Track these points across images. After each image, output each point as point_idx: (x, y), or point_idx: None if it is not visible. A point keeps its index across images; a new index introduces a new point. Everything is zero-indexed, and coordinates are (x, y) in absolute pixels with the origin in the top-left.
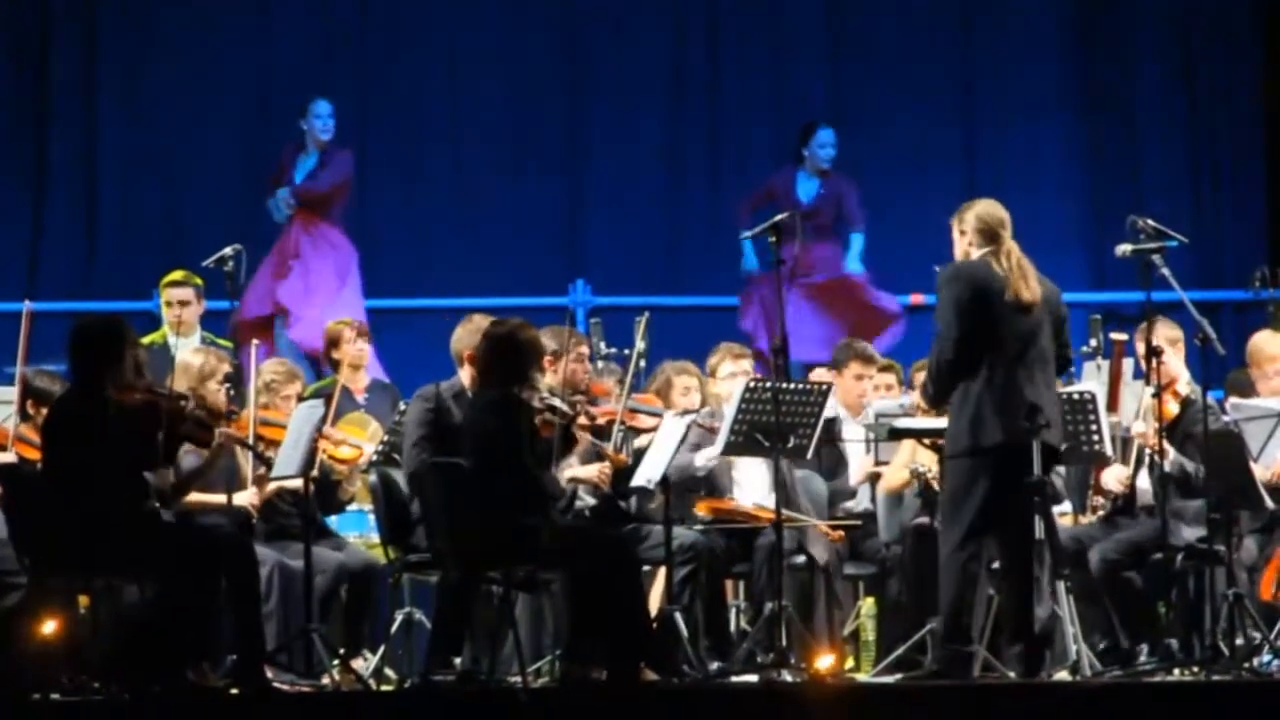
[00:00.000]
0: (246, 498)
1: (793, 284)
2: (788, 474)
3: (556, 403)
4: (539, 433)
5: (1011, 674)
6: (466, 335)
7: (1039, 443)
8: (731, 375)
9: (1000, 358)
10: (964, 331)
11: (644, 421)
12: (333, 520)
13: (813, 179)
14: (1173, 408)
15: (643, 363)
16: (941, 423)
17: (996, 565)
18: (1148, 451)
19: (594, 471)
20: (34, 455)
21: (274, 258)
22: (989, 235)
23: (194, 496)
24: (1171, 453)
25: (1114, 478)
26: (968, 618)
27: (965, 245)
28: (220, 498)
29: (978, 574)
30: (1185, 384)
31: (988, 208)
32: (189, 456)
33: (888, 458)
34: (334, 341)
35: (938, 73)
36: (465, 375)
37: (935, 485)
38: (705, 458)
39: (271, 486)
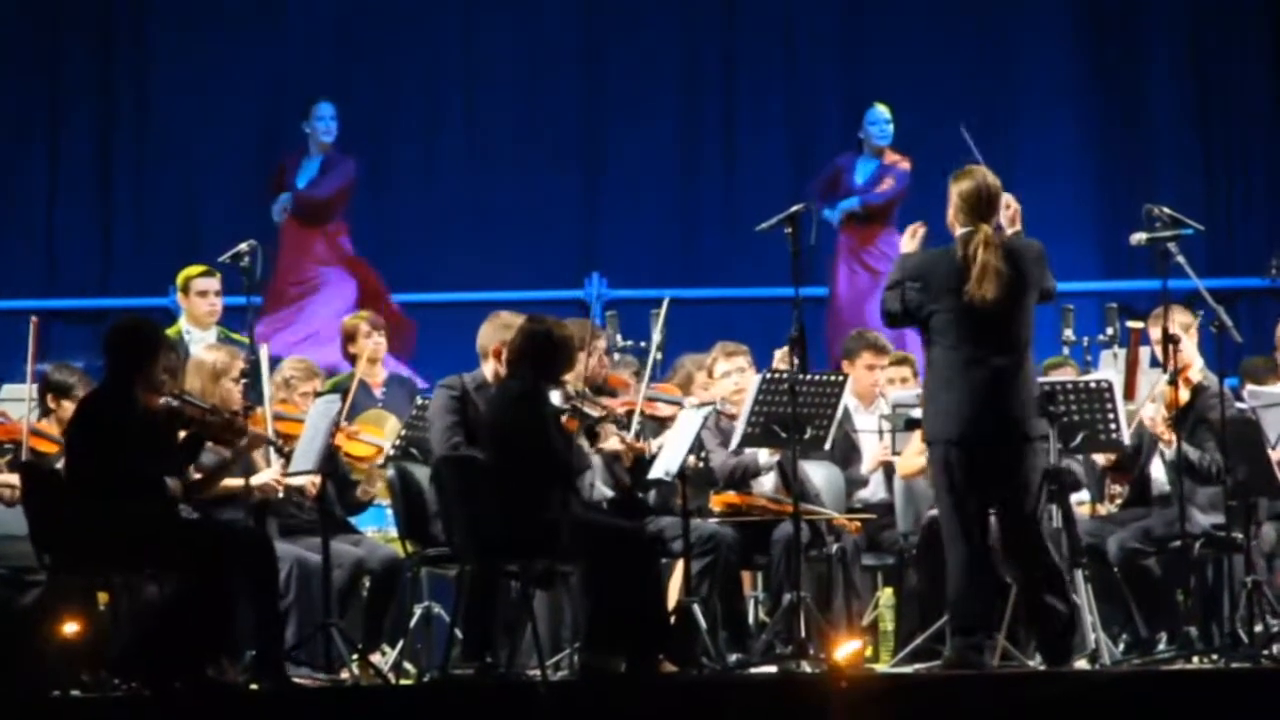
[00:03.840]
0: (270, 475)
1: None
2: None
3: (586, 409)
4: (564, 426)
5: (1031, 663)
6: (493, 330)
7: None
8: (726, 374)
9: (953, 347)
10: (897, 309)
11: (663, 410)
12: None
13: (871, 160)
14: (1184, 394)
15: (659, 354)
16: None
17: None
18: (1154, 437)
19: (616, 442)
20: (50, 449)
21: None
22: (971, 214)
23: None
24: (1174, 438)
25: (1146, 414)
26: (972, 607)
27: (952, 215)
28: (239, 481)
29: (978, 562)
30: (1198, 370)
31: (977, 183)
32: (208, 454)
33: (903, 448)
34: (350, 336)
35: (950, 62)
36: (489, 370)
37: None
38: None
39: (287, 482)
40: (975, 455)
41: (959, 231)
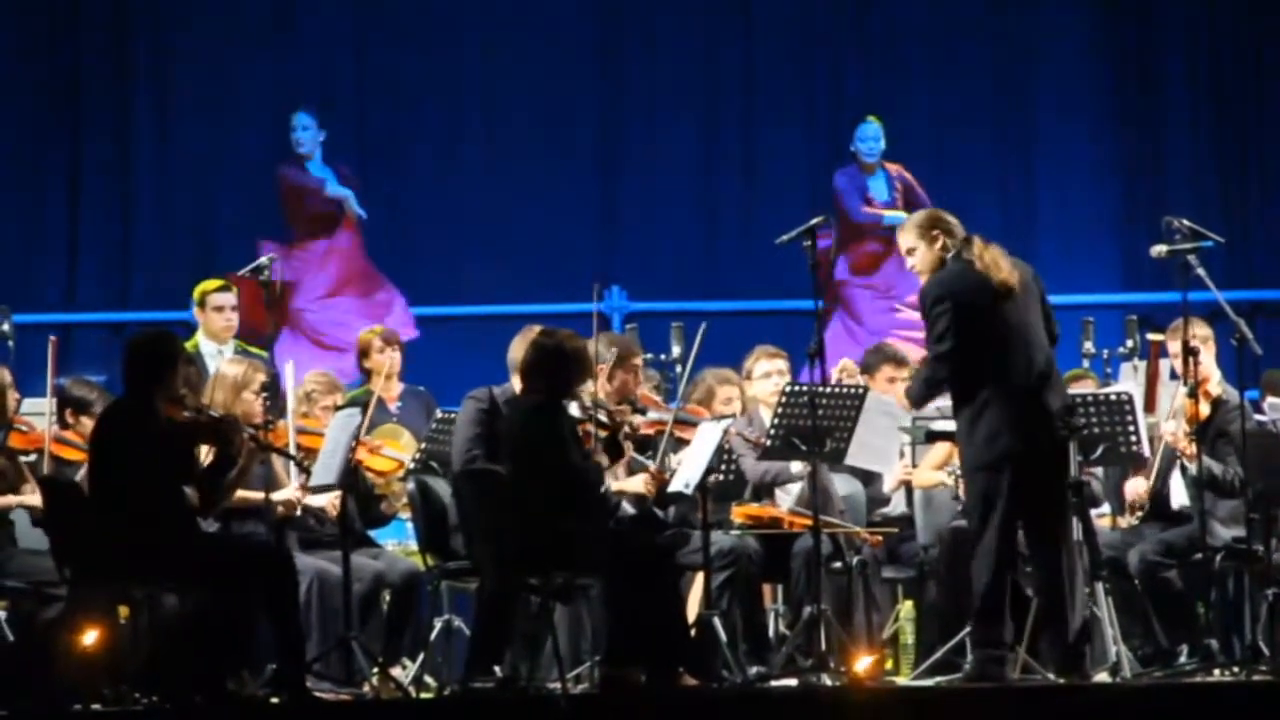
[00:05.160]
0: (288, 493)
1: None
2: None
3: (600, 416)
4: (581, 439)
5: (1051, 676)
6: (523, 344)
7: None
8: (766, 375)
9: (1004, 361)
10: (962, 345)
11: (693, 433)
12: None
13: (878, 177)
14: (1204, 408)
15: (678, 367)
16: None
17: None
18: (1176, 452)
19: (640, 483)
20: (73, 455)
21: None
22: (956, 234)
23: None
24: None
25: (1132, 489)
26: (998, 621)
27: (938, 251)
28: (259, 494)
29: (1008, 579)
30: (1216, 383)
31: (939, 211)
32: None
33: (921, 460)
34: (364, 351)
35: (970, 72)
36: (519, 384)
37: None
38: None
39: (307, 501)
40: (1023, 472)
41: (950, 256)
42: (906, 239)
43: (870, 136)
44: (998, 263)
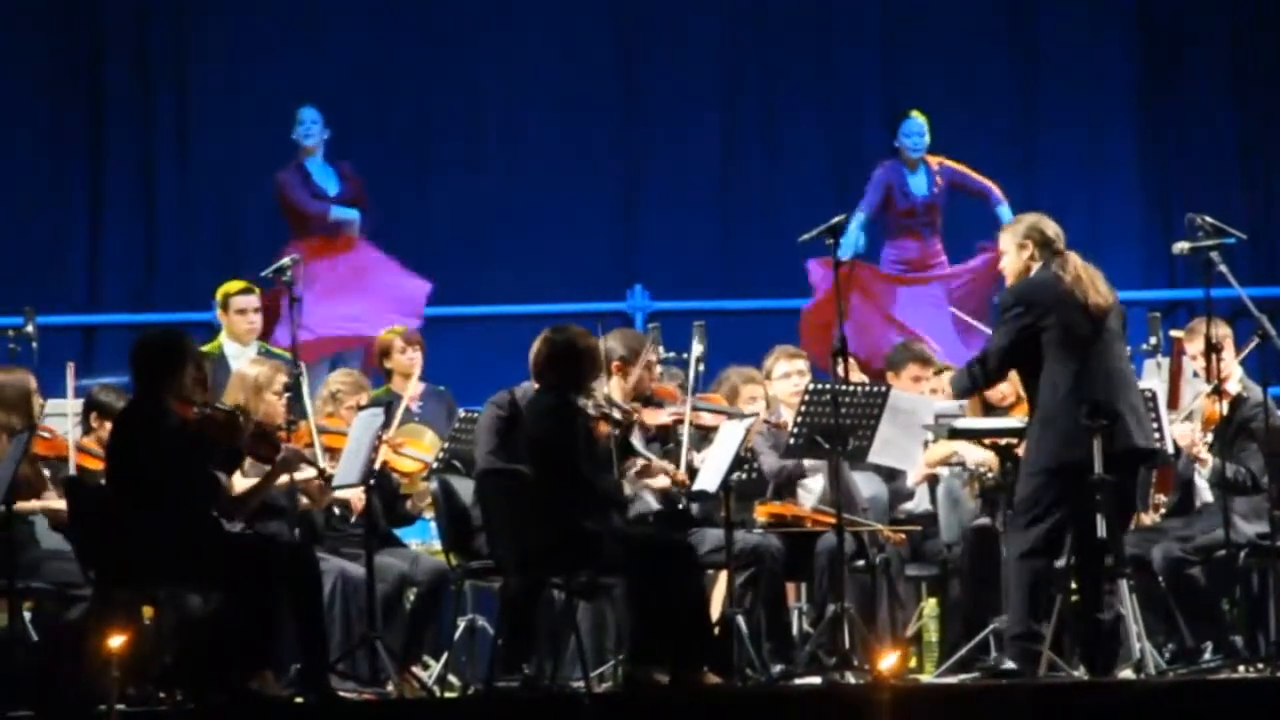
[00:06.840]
0: (313, 472)
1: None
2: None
3: (612, 412)
4: (595, 439)
5: (1076, 673)
6: None
7: (1111, 441)
8: (786, 375)
9: (1083, 368)
10: (1029, 353)
11: (709, 419)
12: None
13: (920, 174)
14: (1221, 407)
15: (701, 367)
16: (1002, 423)
17: (1058, 564)
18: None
19: (664, 469)
20: (96, 465)
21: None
22: (1050, 246)
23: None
24: (1211, 458)
25: (1180, 433)
26: (1038, 619)
27: (1025, 259)
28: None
29: (1050, 579)
30: (1237, 381)
31: (1041, 220)
32: (251, 470)
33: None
34: (385, 351)
35: (995, 70)
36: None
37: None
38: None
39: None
40: (1088, 478)
41: (1037, 266)
42: (1002, 242)
43: (915, 132)
44: (1095, 283)
